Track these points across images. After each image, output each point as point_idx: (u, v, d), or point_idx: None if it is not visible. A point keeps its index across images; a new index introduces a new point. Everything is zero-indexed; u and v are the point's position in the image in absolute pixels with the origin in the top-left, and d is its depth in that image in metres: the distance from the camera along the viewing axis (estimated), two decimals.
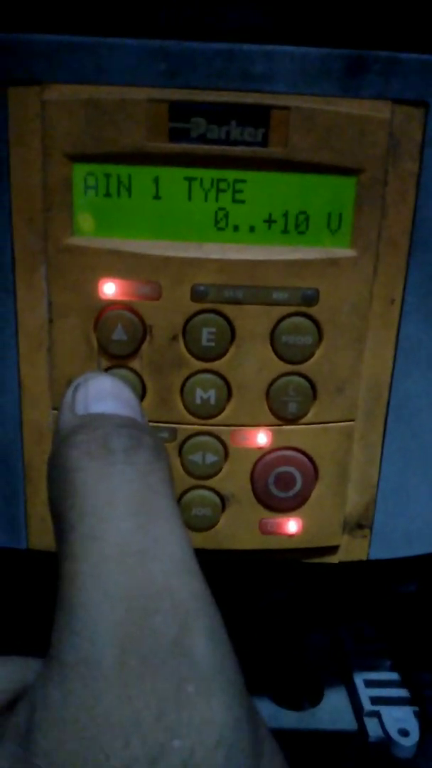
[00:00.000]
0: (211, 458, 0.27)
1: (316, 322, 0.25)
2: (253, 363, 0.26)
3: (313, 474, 0.27)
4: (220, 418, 0.26)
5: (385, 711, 0.36)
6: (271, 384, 0.26)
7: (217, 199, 0.24)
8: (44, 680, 0.13)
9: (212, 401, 0.26)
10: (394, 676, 0.38)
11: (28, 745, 0.13)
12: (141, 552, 0.14)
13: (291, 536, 0.28)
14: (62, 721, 0.13)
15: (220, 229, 0.24)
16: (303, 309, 0.25)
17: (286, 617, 0.41)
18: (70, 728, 0.13)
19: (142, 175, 0.24)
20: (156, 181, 0.24)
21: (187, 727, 0.12)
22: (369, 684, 0.37)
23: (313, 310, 0.25)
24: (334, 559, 0.29)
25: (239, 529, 0.28)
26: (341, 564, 0.30)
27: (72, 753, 0.12)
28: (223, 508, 0.28)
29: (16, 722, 0.14)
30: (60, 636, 0.14)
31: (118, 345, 0.25)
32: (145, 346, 0.25)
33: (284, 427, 0.27)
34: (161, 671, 0.13)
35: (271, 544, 0.28)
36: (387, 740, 0.35)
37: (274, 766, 0.14)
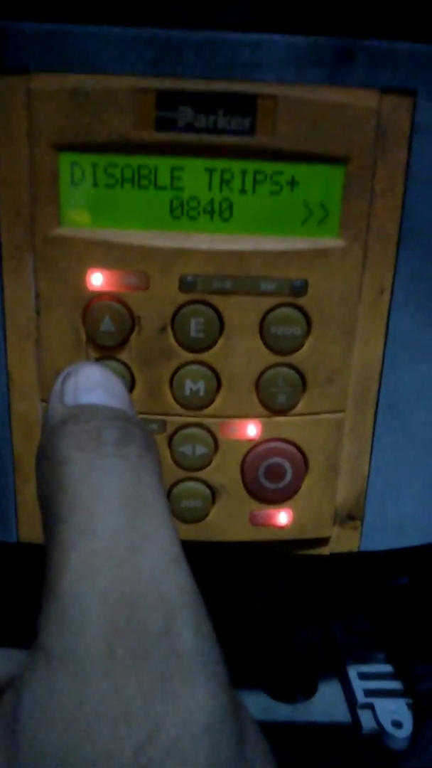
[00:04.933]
0: (200, 450, 0.27)
1: (305, 313, 0.25)
2: (242, 354, 0.26)
3: (303, 465, 0.27)
4: (209, 410, 0.26)
5: (379, 703, 0.36)
6: (260, 375, 0.26)
7: (205, 189, 0.24)
8: (31, 669, 0.14)
9: (201, 392, 0.26)
10: (387, 668, 0.38)
11: (14, 732, 0.13)
12: (130, 546, 0.14)
13: (281, 528, 0.28)
14: (49, 708, 0.13)
15: (208, 218, 0.24)
16: (292, 299, 0.25)
17: (279, 610, 0.41)
18: (56, 716, 0.13)
19: (129, 165, 0.24)
20: (143, 170, 0.24)
21: (173, 716, 0.13)
22: (362, 676, 0.38)
23: (301, 301, 0.25)
24: (325, 550, 0.29)
25: (230, 521, 0.28)
26: (333, 556, 0.30)
27: (58, 740, 0.12)
28: (214, 500, 0.28)
29: (3, 711, 0.14)
30: (47, 626, 0.14)
31: (106, 336, 0.25)
32: (133, 337, 0.25)
33: (274, 418, 0.27)
34: (148, 662, 0.13)
35: (261, 535, 0.28)
36: (380, 732, 0.35)
37: (258, 752, 0.14)
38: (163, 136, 0.23)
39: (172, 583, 0.14)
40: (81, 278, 0.24)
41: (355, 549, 0.29)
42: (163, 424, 0.27)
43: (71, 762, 0.12)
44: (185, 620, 0.14)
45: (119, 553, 0.14)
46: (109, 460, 0.15)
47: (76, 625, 0.13)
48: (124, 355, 0.25)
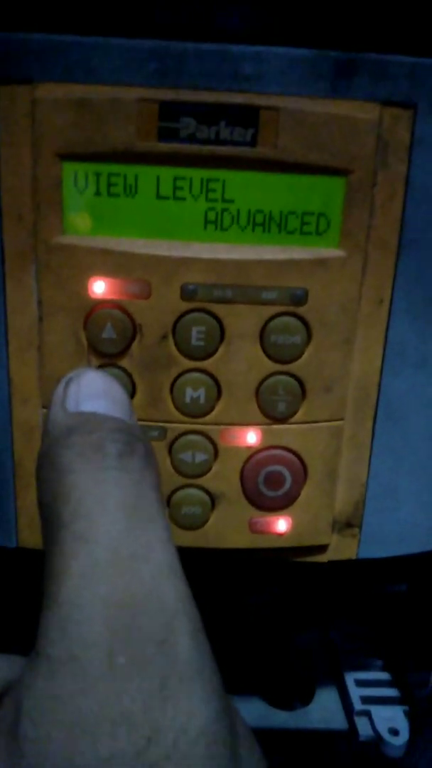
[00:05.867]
0: (200, 457, 0.27)
1: (305, 322, 0.25)
2: (242, 362, 0.26)
3: (302, 473, 0.28)
4: (209, 417, 0.27)
5: (376, 710, 0.36)
6: (260, 383, 0.26)
7: (206, 199, 0.24)
8: (32, 675, 0.14)
9: (202, 400, 0.26)
10: (384, 675, 0.38)
11: (15, 737, 0.13)
12: (131, 555, 0.14)
13: (280, 535, 0.28)
14: (50, 714, 0.13)
15: (210, 228, 0.25)
16: (292, 309, 0.25)
17: (277, 617, 0.41)
18: (58, 721, 0.13)
19: (132, 174, 0.24)
20: (146, 180, 0.24)
21: (171, 721, 0.13)
22: (360, 683, 0.38)
23: (302, 310, 0.25)
24: (323, 558, 0.29)
25: (229, 528, 0.28)
26: (331, 563, 0.30)
27: (60, 745, 0.13)
28: (213, 506, 0.28)
29: (3, 716, 0.14)
30: (48, 632, 0.14)
31: (107, 343, 0.25)
32: (134, 344, 0.25)
33: (273, 426, 0.27)
34: (147, 668, 0.13)
35: (260, 543, 0.28)
36: (377, 739, 0.35)
37: (251, 757, 0.14)
38: (165, 147, 0.23)
39: (170, 590, 0.14)
40: (83, 286, 0.25)
41: (353, 556, 0.30)
42: (164, 431, 0.27)
43: (73, 767, 0.12)
44: (183, 627, 0.14)
45: (120, 560, 0.14)
46: (111, 472, 0.15)
47: (77, 631, 0.13)
48: (125, 363, 0.26)
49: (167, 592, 0.14)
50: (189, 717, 0.13)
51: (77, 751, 0.13)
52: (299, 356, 0.26)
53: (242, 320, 0.25)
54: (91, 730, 0.13)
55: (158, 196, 0.24)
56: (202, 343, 0.25)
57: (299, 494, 0.28)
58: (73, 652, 0.13)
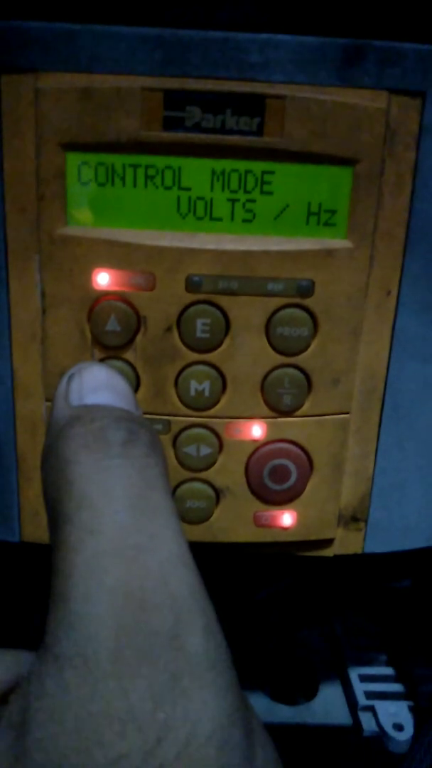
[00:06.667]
0: (205, 450, 0.27)
1: (311, 314, 0.25)
2: (248, 355, 0.26)
3: (308, 467, 0.27)
4: (214, 410, 0.26)
5: (380, 705, 0.36)
6: (266, 376, 0.26)
7: (211, 189, 0.24)
8: (39, 672, 0.13)
9: (207, 393, 0.26)
10: (388, 670, 0.38)
11: (22, 736, 0.13)
12: (137, 546, 0.14)
13: (286, 529, 0.28)
14: (58, 712, 0.13)
15: (215, 219, 0.24)
16: (298, 300, 0.25)
17: (281, 611, 0.41)
18: (65, 719, 0.13)
19: (137, 164, 0.24)
20: (150, 170, 0.24)
21: (182, 720, 0.13)
22: (364, 678, 0.38)
23: (308, 302, 0.25)
24: (328, 552, 0.29)
25: (234, 522, 0.28)
26: (336, 557, 0.30)
27: (68, 744, 0.12)
28: (218, 500, 0.28)
29: (10, 714, 0.14)
30: (55, 628, 0.14)
31: (111, 336, 0.25)
32: (139, 337, 0.25)
33: (279, 419, 0.27)
34: (156, 664, 0.13)
35: (265, 537, 0.28)
36: (381, 735, 0.35)
37: (266, 757, 0.14)
38: (170, 136, 0.23)
39: (180, 583, 0.14)
40: (87, 278, 0.24)
41: (359, 551, 0.29)
42: (168, 425, 0.26)
43: (81, 767, 0.12)
44: (194, 621, 0.14)
45: (126, 552, 0.14)
46: (115, 461, 0.15)
47: (84, 626, 0.13)
48: (129, 355, 0.25)
49: (177, 584, 0.14)
50: (201, 715, 0.13)
51: (84, 752, 0.12)
52: (305, 348, 0.26)
53: (248, 312, 0.25)
54: (98, 729, 0.12)
55: (163, 186, 0.24)
56: (207, 336, 0.25)
57: (305, 488, 0.28)
58: (80, 648, 0.13)
